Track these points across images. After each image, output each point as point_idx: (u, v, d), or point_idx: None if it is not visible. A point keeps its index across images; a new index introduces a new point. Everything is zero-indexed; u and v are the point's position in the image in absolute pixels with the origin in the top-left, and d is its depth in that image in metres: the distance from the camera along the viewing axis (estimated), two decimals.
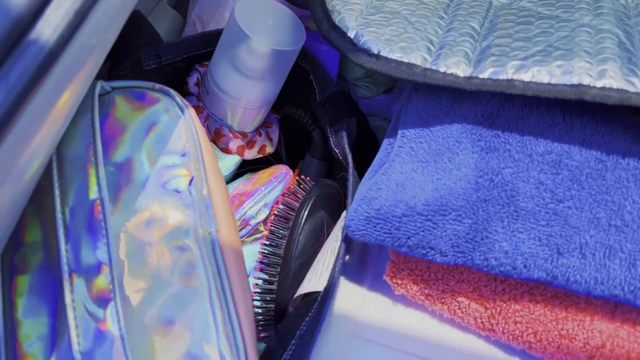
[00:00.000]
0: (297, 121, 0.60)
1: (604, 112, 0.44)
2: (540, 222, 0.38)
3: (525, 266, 0.38)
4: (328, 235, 0.50)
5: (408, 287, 0.46)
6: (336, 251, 0.45)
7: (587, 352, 0.41)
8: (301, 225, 0.48)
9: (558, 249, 0.38)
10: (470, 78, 0.43)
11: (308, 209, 0.49)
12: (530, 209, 0.39)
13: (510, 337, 0.44)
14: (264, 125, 0.59)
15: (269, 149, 0.59)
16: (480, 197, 0.40)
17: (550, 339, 0.42)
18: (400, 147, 0.46)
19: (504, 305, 0.43)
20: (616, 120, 0.43)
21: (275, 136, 0.59)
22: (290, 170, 0.58)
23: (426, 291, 0.45)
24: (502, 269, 0.39)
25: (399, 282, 0.46)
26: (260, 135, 0.58)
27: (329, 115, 0.53)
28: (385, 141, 0.49)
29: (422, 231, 0.40)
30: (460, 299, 0.44)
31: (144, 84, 0.46)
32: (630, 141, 0.42)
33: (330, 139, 0.52)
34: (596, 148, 0.42)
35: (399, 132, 0.47)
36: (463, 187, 0.40)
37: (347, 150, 0.49)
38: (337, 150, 0.51)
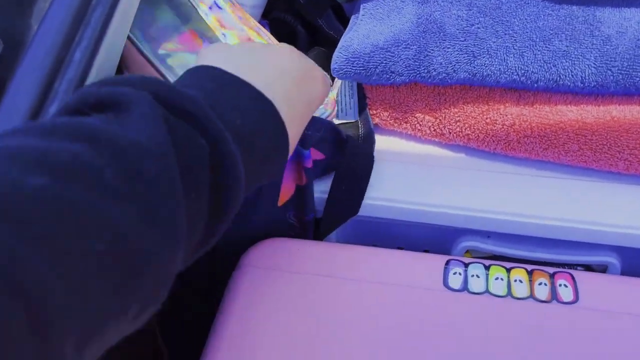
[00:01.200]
0: (283, 22, 0.78)
1: None
2: (460, 39, 0.58)
3: (454, 70, 0.58)
4: None
5: (381, 114, 0.65)
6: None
7: (504, 131, 0.60)
8: None
9: (473, 53, 0.57)
10: None
11: None
12: (453, 32, 0.58)
13: (455, 136, 0.63)
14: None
15: None
16: (420, 30, 0.59)
17: (481, 128, 0.61)
18: (363, 15, 0.64)
19: (447, 111, 0.62)
20: None
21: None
22: None
23: (394, 115, 0.64)
24: (440, 77, 0.58)
25: (375, 112, 0.65)
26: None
27: (317, 8, 0.71)
28: (353, 17, 0.67)
29: (385, 60, 0.59)
30: (417, 114, 0.63)
31: None
32: None
33: (323, 25, 0.70)
34: None
35: (361, 6, 0.65)
36: (408, 26, 0.59)
37: (341, 27, 0.67)
38: (331, 32, 0.69)
